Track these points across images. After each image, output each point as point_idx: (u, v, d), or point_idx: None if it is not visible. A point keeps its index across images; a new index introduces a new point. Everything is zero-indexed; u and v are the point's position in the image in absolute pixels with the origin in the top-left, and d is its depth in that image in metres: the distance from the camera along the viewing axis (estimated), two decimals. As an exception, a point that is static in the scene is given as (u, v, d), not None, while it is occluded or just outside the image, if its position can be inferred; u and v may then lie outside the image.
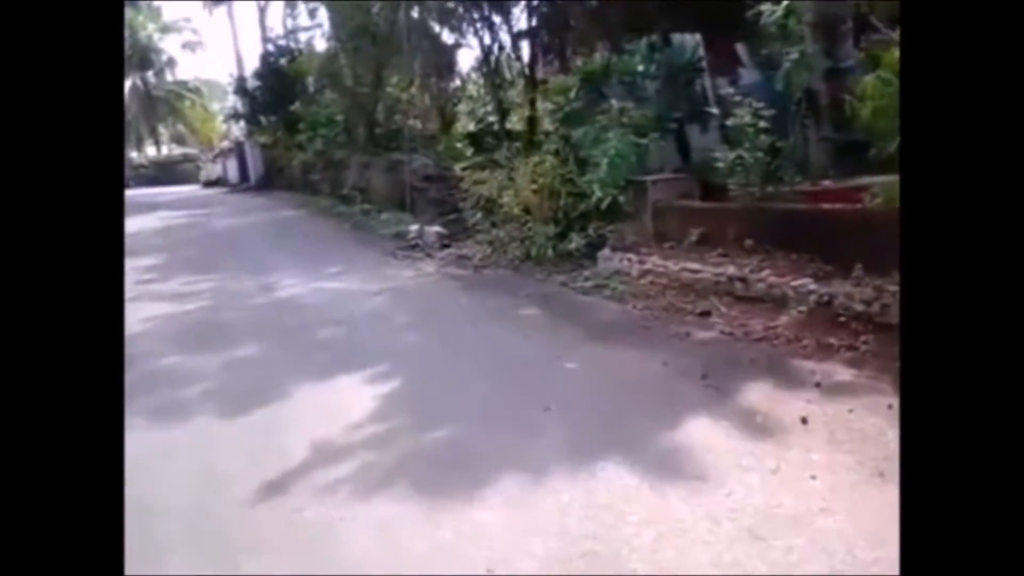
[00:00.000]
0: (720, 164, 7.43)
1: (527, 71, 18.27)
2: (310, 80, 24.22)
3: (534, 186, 9.17)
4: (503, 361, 5.50)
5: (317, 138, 21.72)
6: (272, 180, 26.97)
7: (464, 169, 10.32)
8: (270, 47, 26.82)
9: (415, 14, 18.24)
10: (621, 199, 8.28)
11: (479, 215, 10.69)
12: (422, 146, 17.97)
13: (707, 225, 7.36)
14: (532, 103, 17.98)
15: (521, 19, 18.32)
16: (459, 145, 18.73)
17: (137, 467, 4.01)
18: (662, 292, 6.82)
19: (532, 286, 7.97)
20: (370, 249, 11.57)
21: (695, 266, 6.82)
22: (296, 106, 23.30)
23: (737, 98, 9.00)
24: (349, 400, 4.87)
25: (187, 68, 67.64)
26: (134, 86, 45.42)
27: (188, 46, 45.78)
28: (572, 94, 9.75)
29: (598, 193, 8.37)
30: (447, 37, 19.96)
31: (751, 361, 4.98)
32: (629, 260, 7.64)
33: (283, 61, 26.18)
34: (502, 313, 6.94)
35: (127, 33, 43.09)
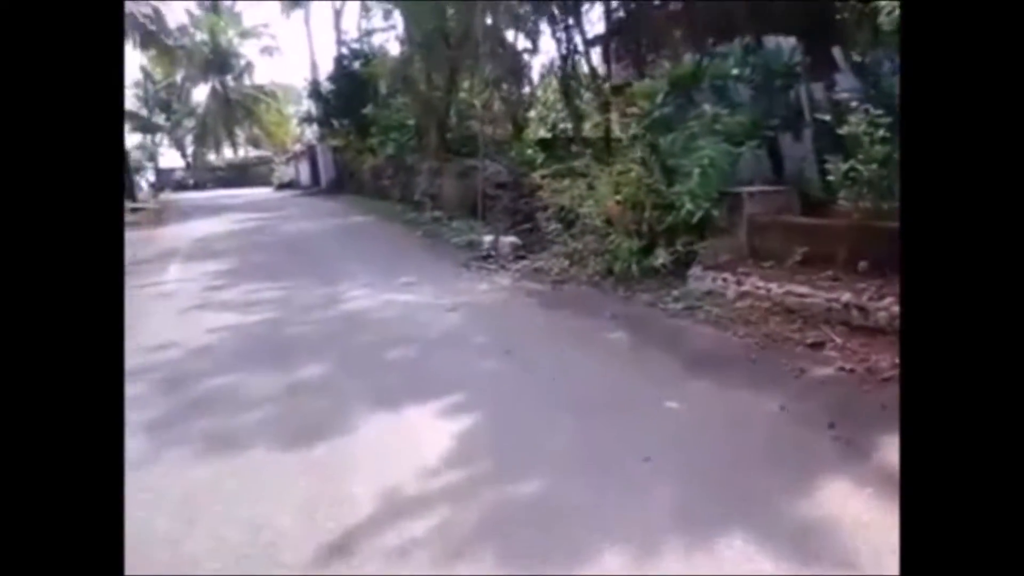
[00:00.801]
0: (826, 177, 6.73)
1: (603, 76, 17.76)
2: (383, 84, 24.10)
3: (618, 196, 8.57)
4: (592, 396, 4.93)
5: (388, 142, 21.57)
6: (343, 184, 27.04)
7: (544, 177, 9.78)
8: (344, 50, 26.85)
9: (489, 20, 17.84)
10: (714, 213, 7.63)
11: (556, 225, 10.13)
12: (495, 152, 17.57)
13: (813, 244, 6.66)
14: (607, 109, 17.52)
15: (597, 24, 17.82)
16: (530, 152, 18.32)
17: (173, 510, 3.67)
18: (764, 318, 6.15)
19: (616, 305, 7.38)
20: (442, 259, 11.14)
21: (802, 290, 6.12)
22: (368, 110, 23.17)
23: (841, 103, 8.39)
24: (422, 437, 4.38)
25: (264, 72, 69.23)
26: (213, 89, 46.51)
27: (266, 51, 46.63)
28: (659, 99, 9.12)
29: (688, 206, 7.73)
30: (521, 42, 19.60)
31: (883, 407, 4.30)
32: (724, 280, 6.98)
33: (356, 65, 26.21)
34: (586, 336, 6.38)
35: (208, 38, 44.20)
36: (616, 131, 17.60)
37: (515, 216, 12.37)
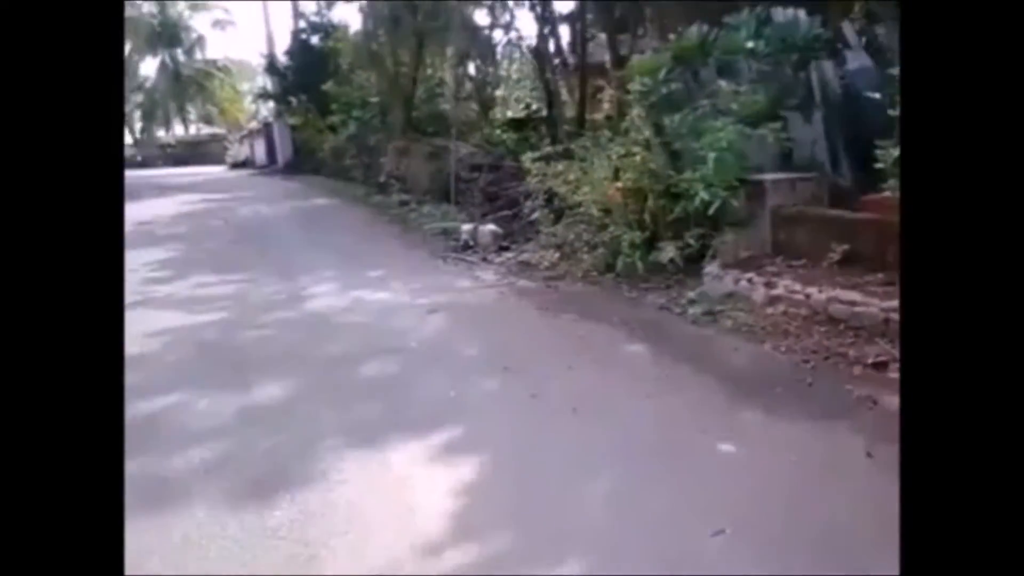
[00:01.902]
0: (869, 163, 5.87)
1: (578, 54, 16.78)
2: (344, 59, 22.77)
3: (618, 183, 7.62)
4: (624, 433, 3.98)
5: (350, 120, 20.31)
6: (301, 163, 25.68)
7: (535, 160, 8.75)
8: (302, 23, 25.38)
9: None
10: (733, 202, 6.71)
11: (542, 213, 9.15)
12: (465, 132, 16.51)
13: (855, 241, 5.79)
14: (582, 87, 16.56)
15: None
16: (499, 132, 17.28)
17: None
18: (805, 329, 5.25)
19: (623, 308, 6.43)
20: (414, 248, 10.08)
21: (851, 296, 5.24)
22: (329, 86, 21.82)
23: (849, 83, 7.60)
24: (415, 492, 3.41)
25: (217, 47, 66.64)
26: (162, 63, 44.44)
27: (218, 24, 44.76)
28: (661, 75, 8.15)
29: (702, 194, 6.79)
30: (487, 17, 18.47)
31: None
32: (750, 281, 6.08)
33: (316, 39, 24.83)
34: (598, 348, 5.42)
35: (156, 10, 42.06)
36: (594, 112, 16.81)
37: (493, 202, 11.36)
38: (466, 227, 9.83)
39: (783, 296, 5.73)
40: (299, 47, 25.30)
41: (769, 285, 5.89)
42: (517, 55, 20.05)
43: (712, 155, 6.85)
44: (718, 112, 7.37)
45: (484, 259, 8.85)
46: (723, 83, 7.26)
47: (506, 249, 9.12)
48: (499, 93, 20.43)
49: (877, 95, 7.05)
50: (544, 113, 17.55)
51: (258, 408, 4.57)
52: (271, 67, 27.14)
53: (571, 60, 17.57)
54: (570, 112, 16.43)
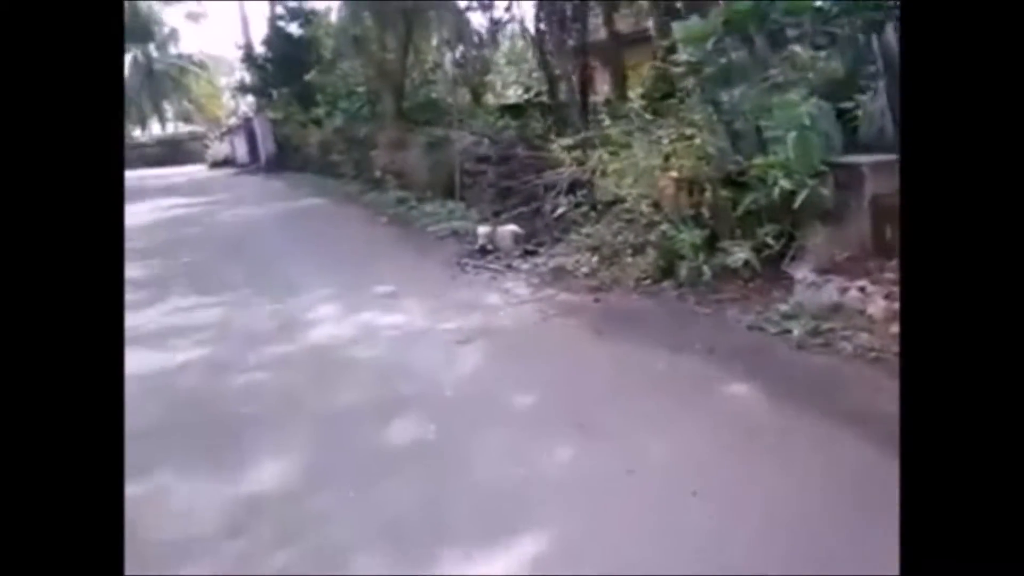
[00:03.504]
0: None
1: (573, 32, 15.49)
2: (327, 46, 21.38)
3: (671, 172, 6.38)
4: (779, 531, 2.77)
5: (337, 112, 18.99)
6: (286, 160, 24.22)
7: (570, 149, 7.46)
8: (279, 10, 23.87)
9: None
10: (823, 191, 5.50)
11: (575, 210, 7.91)
12: (460, 121, 15.21)
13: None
14: (584, 68, 15.27)
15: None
16: (492, 118, 15.96)
17: None
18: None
19: (702, 329, 5.22)
20: (424, 255, 8.81)
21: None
22: (311, 76, 20.42)
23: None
24: None
25: (191, 41, 64.80)
26: (135, 60, 42.64)
27: (191, 16, 43.03)
28: (710, 45, 6.89)
29: (782, 182, 5.57)
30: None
31: None
32: (862, 291, 4.88)
33: (295, 26, 23.38)
34: (691, 391, 4.19)
35: (125, 3, 40.30)
36: (596, 94, 15.53)
37: (507, 198, 10.07)
38: (482, 229, 8.55)
39: (913, 310, 4.51)
40: (277, 36, 23.84)
41: (891, 296, 4.68)
42: (511, 36, 18.75)
43: (792, 135, 5.63)
44: (787, 84, 6.15)
45: (509, 266, 7.60)
46: (798, 48, 6.01)
47: (533, 253, 7.86)
48: (489, 78, 19.13)
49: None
50: (545, 98, 16.29)
51: (253, 502, 3.35)
52: (248, 59, 25.64)
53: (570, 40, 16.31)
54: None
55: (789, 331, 4.82)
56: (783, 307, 5.20)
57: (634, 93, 13.05)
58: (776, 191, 5.60)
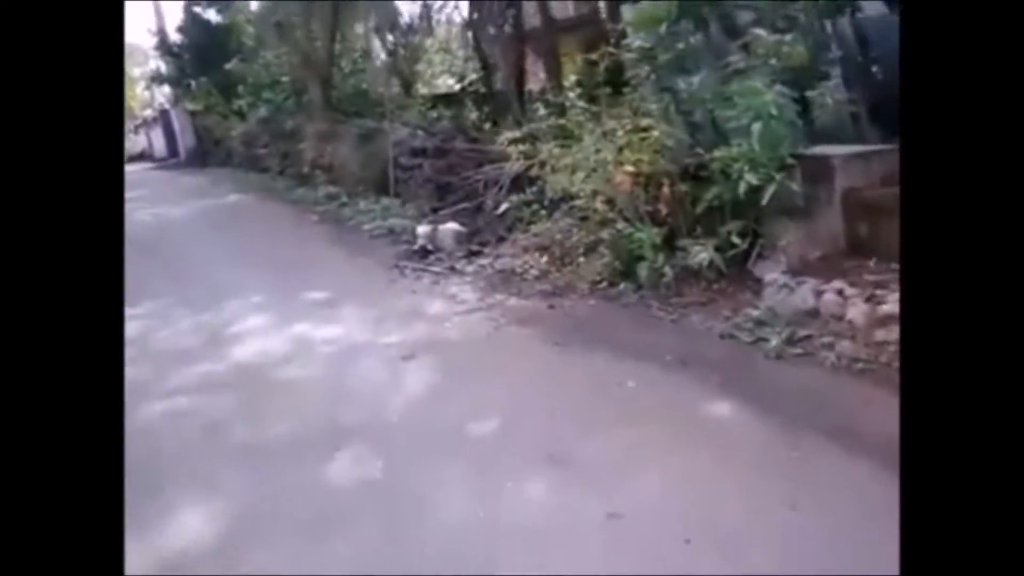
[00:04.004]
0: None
1: (510, 19, 15.00)
2: (248, 33, 20.36)
3: (627, 167, 5.96)
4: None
5: (260, 103, 18.01)
6: (207, 154, 23.02)
7: (514, 142, 6.96)
8: (195, -6, 22.63)
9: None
10: (792, 186, 5.16)
11: (518, 205, 7.44)
12: (391, 111, 14.56)
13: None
14: (519, 56, 14.81)
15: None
16: (422, 109, 15.34)
17: None
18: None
19: (668, 336, 4.82)
20: (358, 256, 8.21)
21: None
22: (232, 65, 19.34)
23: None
24: None
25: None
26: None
27: (101, 3, 40.70)
28: (663, 29, 6.50)
29: (748, 177, 5.22)
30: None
31: None
32: (840, 294, 4.55)
33: (213, 12, 22.20)
34: (669, 410, 3.77)
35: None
36: (532, 84, 15.07)
37: (446, 194, 9.54)
38: (422, 228, 7.99)
39: (896, 314, 4.20)
40: (194, 23, 22.59)
41: (873, 300, 4.36)
42: (444, 23, 18.13)
43: (757, 125, 5.27)
44: (748, 70, 5.81)
45: (452, 268, 7.08)
46: (762, 31, 5.65)
47: (477, 254, 7.36)
48: (420, 67, 18.47)
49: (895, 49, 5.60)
50: (480, 87, 15.76)
51: (171, 566, 2.79)
52: (163, 46, 24.25)
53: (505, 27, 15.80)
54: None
55: (764, 339, 4.46)
56: (754, 312, 4.83)
57: (569, 82, 12.71)
58: (741, 185, 5.24)
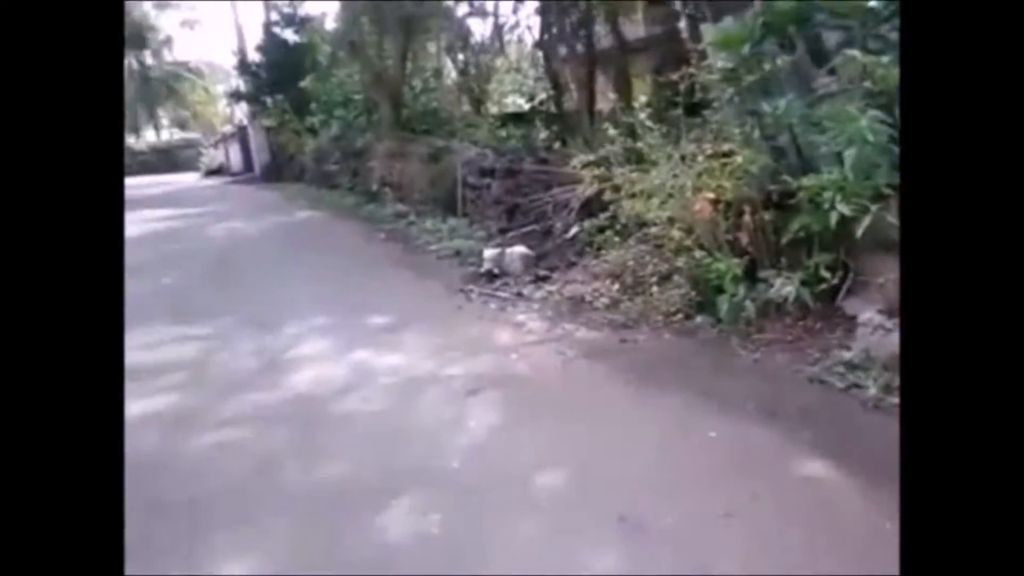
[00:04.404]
0: None
1: (579, 38, 14.75)
2: (323, 53, 20.67)
3: (707, 193, 5.63)
4: None
5: (332, 120, 18.25)
6: (280, 169, 23.48)
7: (588, 166, 6.70)
8: (274, 15, 23.17)
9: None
10: (889, 218, 4.74)
11: (591, 230, 7.17)
12: (461, 130, 14.49)
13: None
14: (590, 76, 14.55)
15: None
16: (491, 127, 15.18)
17: None
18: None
19: (751, 379, 4.46)
20: (425, 278, 8.04)
21: None
22: (307, 83, 19.67)
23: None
24: None
25: (186, 48, 64.17)
26: (129, 67, 41.94)
27: (187, 23, 42.46)
28: (746, 49, 6.15)
29: (840, 207, 4.84)
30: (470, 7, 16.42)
31: None
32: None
33: (290, 32, 22.67)
34: (756, 468, 3.42)
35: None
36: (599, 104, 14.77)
37: (514, 215, 9.33)
38: (489, 252, 7.79)
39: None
40: (272, 42, 23.13)
41: (984, 347, 3.93)
42: (515, 42, 18.02)
43: (850, 152, 4.89)
44: (840, 94, 5.43)
45: (519, 294, 6.84)
46: (856, 52, 5.26)
47: (545, 279, 7.11)
48: (491, 86, 18.38)
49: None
50: (550, 106, 15.56)
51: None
52: (243, 65, 24.92)
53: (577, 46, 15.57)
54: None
55: (859, 386, 4.07)
56: (846, 354, 4.44)
57: (639, 103, 12.36)
58: (833, 216, 4.86)
